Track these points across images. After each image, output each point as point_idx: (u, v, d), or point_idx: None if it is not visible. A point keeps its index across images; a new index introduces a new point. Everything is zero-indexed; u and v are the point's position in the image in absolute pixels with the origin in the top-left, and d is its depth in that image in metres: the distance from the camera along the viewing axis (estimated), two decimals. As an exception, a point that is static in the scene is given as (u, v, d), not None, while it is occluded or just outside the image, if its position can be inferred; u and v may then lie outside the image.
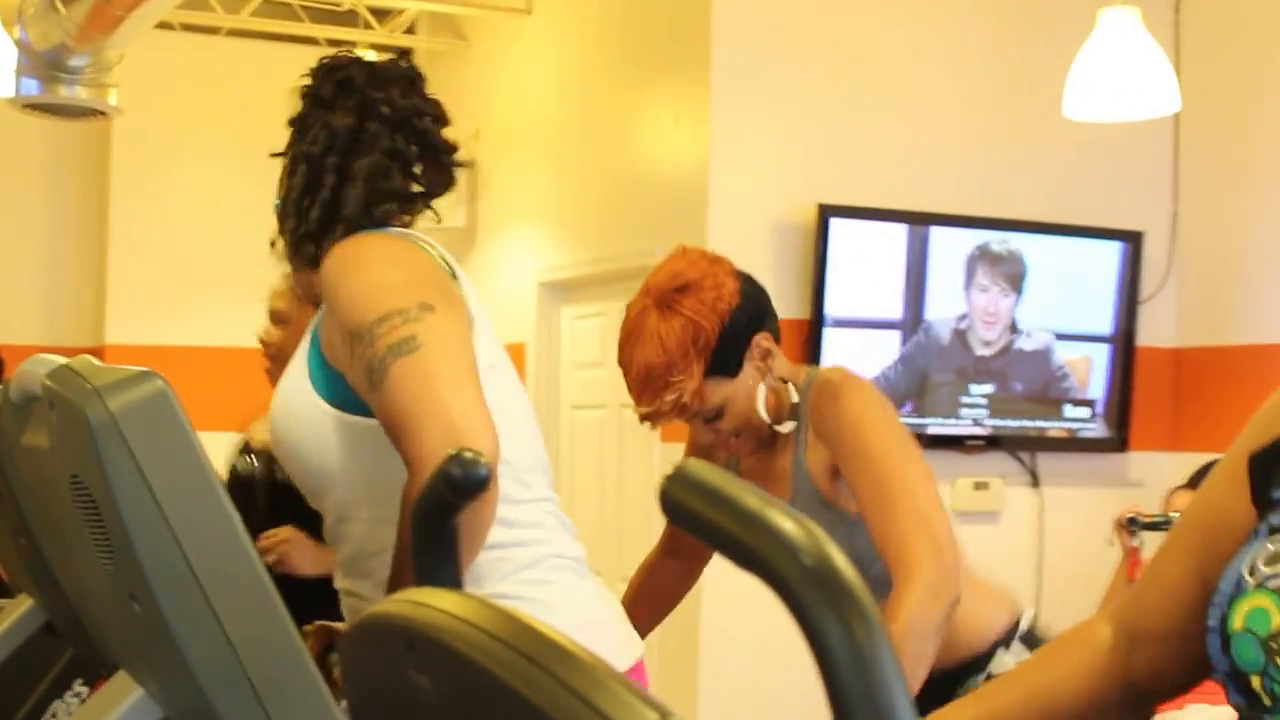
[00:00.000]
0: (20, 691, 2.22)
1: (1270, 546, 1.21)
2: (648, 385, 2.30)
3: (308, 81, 2.17)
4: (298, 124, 2.16)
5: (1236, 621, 1.20)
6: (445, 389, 1.84)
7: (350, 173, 2.08)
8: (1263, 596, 1.19)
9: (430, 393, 1.84)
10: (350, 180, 2.08)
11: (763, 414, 2.35)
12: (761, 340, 2.36)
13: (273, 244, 2.22)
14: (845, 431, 2.25)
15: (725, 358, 2.31)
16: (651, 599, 2.74)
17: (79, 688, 2.26)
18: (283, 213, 2.16)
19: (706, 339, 2.29)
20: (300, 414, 2.03)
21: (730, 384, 2.33)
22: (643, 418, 2.36)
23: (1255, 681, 1.18)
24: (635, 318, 2.34)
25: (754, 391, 2.35)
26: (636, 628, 2.70)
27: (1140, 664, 1.41)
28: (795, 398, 2.39)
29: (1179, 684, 1.38)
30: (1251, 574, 1.21)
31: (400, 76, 2.16)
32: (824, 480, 2.34)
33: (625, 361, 2.34)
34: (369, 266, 1.98)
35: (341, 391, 1.99)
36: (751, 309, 2.35)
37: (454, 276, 2.07)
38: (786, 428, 2.38)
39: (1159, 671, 1.40)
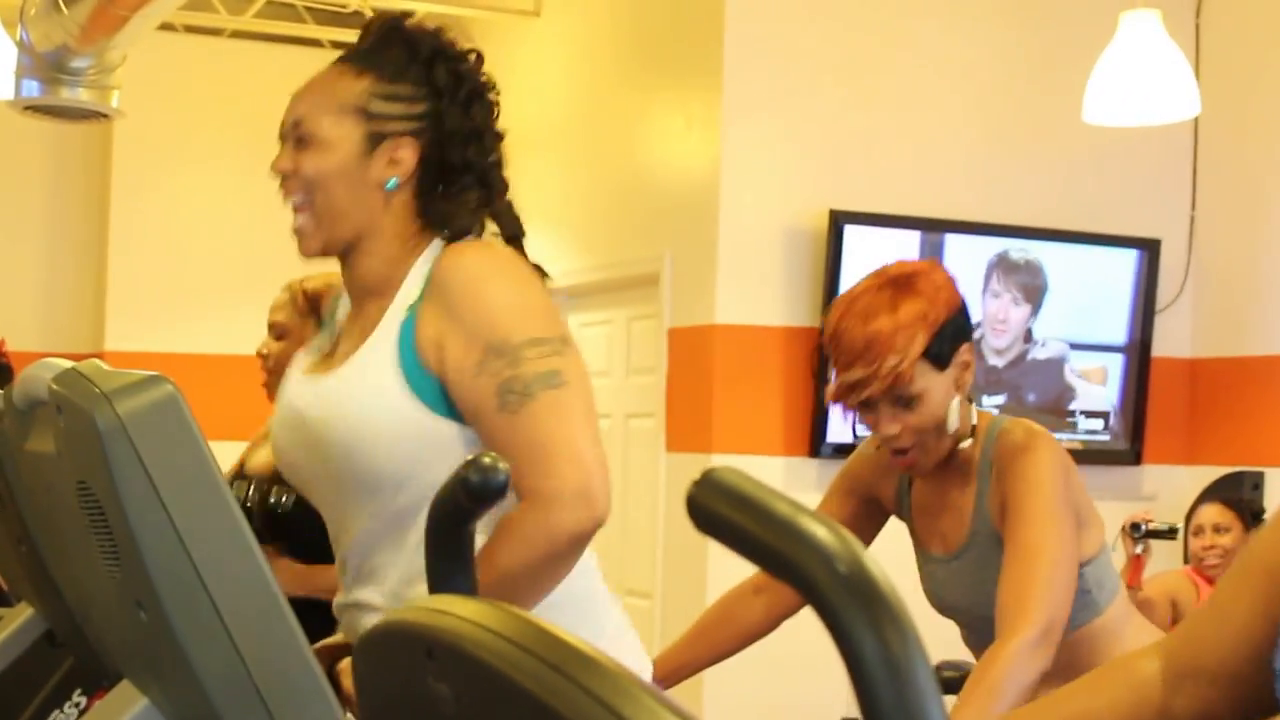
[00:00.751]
0: (18, 701, 2.17)
1: None
2: (869, 349, 2.37)
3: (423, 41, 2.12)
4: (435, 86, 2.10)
5: None
6: (584, 430, 1.93)
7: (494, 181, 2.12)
8: None
9: (571, 431, 1.92)
10: (498, 191, 2.13)
11: (954, 420, 2.44)
12: (965, 352, 2.44)
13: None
14: (1019, 487, 2.37)
15: (941, 347, 2.39)
16: (724, 628, 2.73)
17: (78, 697, 2.22)
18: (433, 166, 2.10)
19: (935, 320, 2.38)
20: (377, 413, 2.00)
21: (935, 376, 2.40)
22: (849, 387, 2.41)
23: None
24: (864, 292, 2.42)
25: (949, 395, 2.43)
26: (700, 656, 2.71)
27: (1183, 703, 1.40)
28: (970, 426, 2.49)
29: None
30: None
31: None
32: (1002, 521, 2.42)
33: (841, 329, 2.41)
34: (515, 283, 2.02)
35: (435, 394, 1.99)
36: (965, 319, 2.45)
37: None
38: (965, 444, 2.48)
39: (1203, 712, 1.38)
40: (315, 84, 2.14)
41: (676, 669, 2.67)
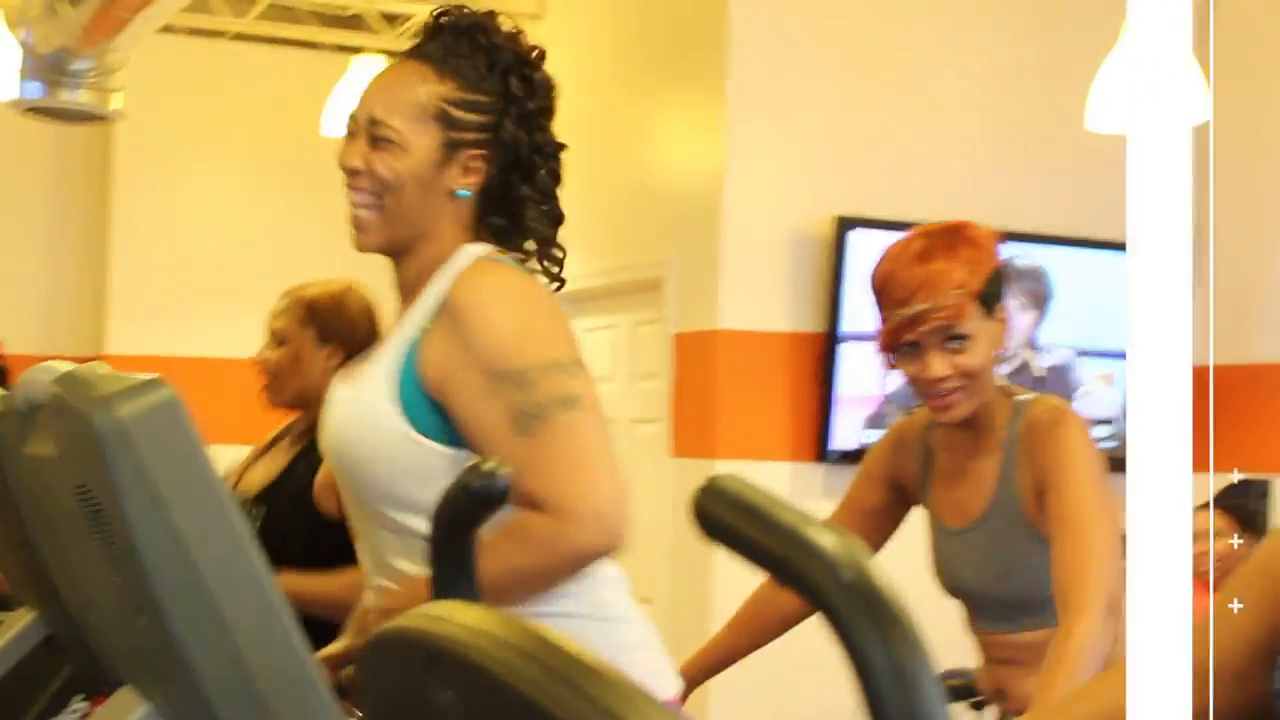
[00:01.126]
0: (18, 707, 2.16)
1: None
2: (930, 282, 2.41)
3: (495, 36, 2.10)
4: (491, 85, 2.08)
5: None
6: (601, 455, 1.95)
7: (536, 187, 2.11)
8: None
9: (588, 455, 1.94)
10: (541, 199, 2.11)
11: (996, 375, 2.50)
12: (1003, 310, 2.49)
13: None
14: (1056, 462, 2.40)
15: (990, 293, 2.45)
16: (767, 613, 2.77)
17: (78, 703, 2.21)
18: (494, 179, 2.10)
19: (987, 264, 2.45)
20: (373, 435, 2.01)
21: (982, 322, 2.44)
22: (908, 321, 2.43)
23: None
24: (915, 239, 2.47)
25: (991, 346, 2.47)
26: (744, 642, 2.76)
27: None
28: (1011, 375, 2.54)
29: None
30: None
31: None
32: (1030, 499, 2.45)
33: (896, 270, 2.44)
34: (521, 306, 2.01)
35: (430, 420, 1.99)
36: (1004, 276, 2.52)
37: None
38: (1024, 397, 2.53)
39: (1206, 712, 1.36)
40: (392, 81, 2.10)
41: (725, 654, 2.75)
